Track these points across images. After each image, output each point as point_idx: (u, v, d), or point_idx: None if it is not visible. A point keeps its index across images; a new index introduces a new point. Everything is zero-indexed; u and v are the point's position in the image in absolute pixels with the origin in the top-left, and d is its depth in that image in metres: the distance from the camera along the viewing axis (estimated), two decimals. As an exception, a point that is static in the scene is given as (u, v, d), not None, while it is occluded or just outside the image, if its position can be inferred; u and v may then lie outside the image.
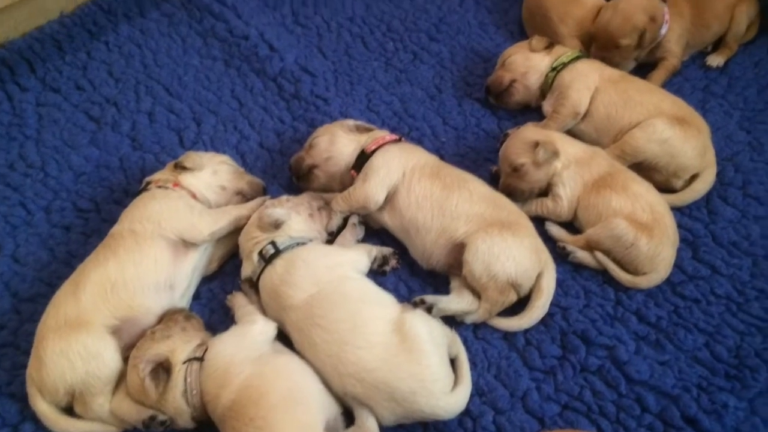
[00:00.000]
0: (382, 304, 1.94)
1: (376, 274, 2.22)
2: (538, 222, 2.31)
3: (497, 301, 2.06)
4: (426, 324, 1.87)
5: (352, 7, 3.19)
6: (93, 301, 1.96)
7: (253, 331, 1.90)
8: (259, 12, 3.14)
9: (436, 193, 2.17)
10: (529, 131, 2.37)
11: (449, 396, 1.83)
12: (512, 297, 2.08)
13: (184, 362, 1.86)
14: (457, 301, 2.08)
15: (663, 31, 2.66)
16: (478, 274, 2.04)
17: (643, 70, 2.74)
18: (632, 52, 2.66)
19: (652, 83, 2.64)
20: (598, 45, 2.68)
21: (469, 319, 2.09)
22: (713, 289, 2.17)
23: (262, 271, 2.07)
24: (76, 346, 1.90)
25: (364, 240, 2.30)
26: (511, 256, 2.03)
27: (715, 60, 2.80)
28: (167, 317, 2.02)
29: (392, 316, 1.88)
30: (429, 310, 2.04)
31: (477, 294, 2.08)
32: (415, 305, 2.04)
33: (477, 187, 2.22)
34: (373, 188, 2.21)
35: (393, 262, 2.25)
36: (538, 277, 2.10)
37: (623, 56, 2.67)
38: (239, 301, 2.10)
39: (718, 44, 2.84)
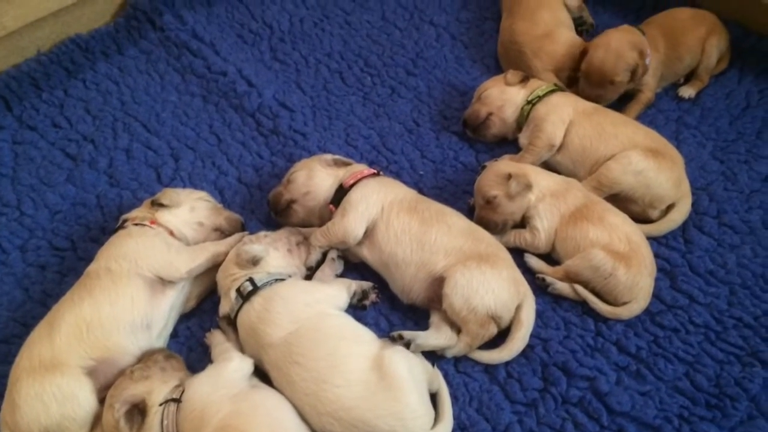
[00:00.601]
0: (361, 341, 1.92)
1: (356, 308, 2.21)
2: (518, 253, 2.32)
3: (477, 335, 2.05)
4: (406, 360, 1.86)
5: (330, 43, 3.22)
6: (68, 342, 1.93)
7: (228, 369, 1.87)
8: (237, 48, 3.16)
9: (415, 228, 2.18)
10: (503, 164, 2.40)
11: None
12: (492, 330, 2.08)
13: (161, 404, 1.83)
14: (435, 337, 2.07)
15: (647, 62, 2.71)
16: (458, 308, 2.03)
17: (618, 102, 2.77)
18: (625, 86, 2.71)
19: (627, 116, 2.68)
20: (591, 83, 2.70)
21: (450, 353, 2.08)
22: (692, 318, 2.18)
23: (240, 308, 2.05)
24: (51, 389, 1.87)
25: (344, 274, 2.30)
26: (490, 288, 2.04)
27: (687, 91, 2.85)
28: (147, 357, 1.99)
29: (371, 353, 1.87)
30: (407, 345, 2.02)
31: (457, 328, 2.07)
32: (393, 340, 2.03)
33: (455, 221, 2.22)
34: (351, 223, 2.21)
35: (373, 297, 2.24)
36: (518, 308, 2.10)
37: (617, 91, 2.71)
38: (216, 339, 2.08)
39: (690, 76, 2.89)
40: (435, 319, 2.13)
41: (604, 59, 2.65)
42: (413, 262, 2.15)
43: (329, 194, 2.33)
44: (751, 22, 3.02)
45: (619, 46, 2.65)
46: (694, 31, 2.83)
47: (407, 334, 2.06)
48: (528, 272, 2.28)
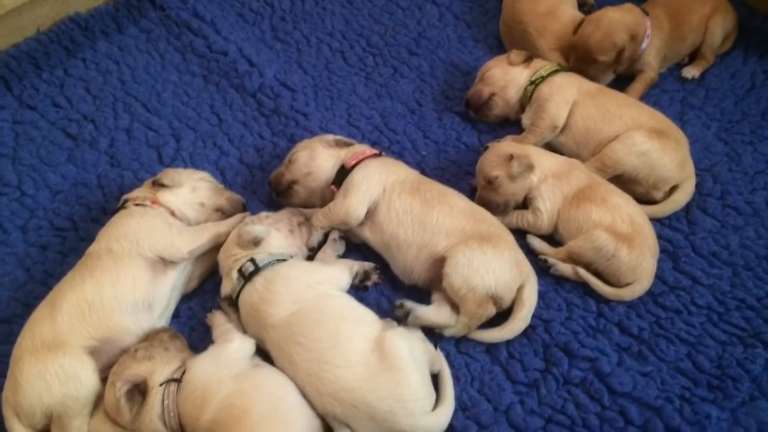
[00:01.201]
0: (362, 322, 1.92)
1: (358, 289, 2.21)
2: (520, 234, 2.32)
3: (475, 314, 2.05)
4: (407, 342, 1.86)
5: (332, 22, 3.19)
6: (70, 322, 1.93)
7: (229, 350, 1.87)
8: (238, 28, 3.13)
9: (417, 208, 2.17)
10: (505, 145, 2.39)
11: (430, 416, 1.82)
12: (491, 310, 2.07)
13: (162, 384, 1.83)
14: (435, 313, 2.07)
15: (643, 46, 2.67)
16: (458, 287, 2.03)
17: (622, 82, 2.75)
18: (609, 67, 2.68)
19: (630, 96, 2.65)
20: (576, 57, 2.69)
21: (448, 333, 2.08)
22: (694, 299, 2.18)
23: (241, 288, 2.05)
24: (53, 368, 1.87)
25: (345, 255, 2.29)
26: (491, 269, 2.03)
27: (691, 72, 2.82)
28: (152, 335, 2.00)
29: (373, 335, 1.87)
30: (406, 315, 2.04)
31: (457, 309, 2.07)
32: (395, 309, 2.06)
33: (457, 202, 2.22)
34: (353, 204, 2.20)
35: (374, 277, 2.24)
36: (520, 289, 2.10)
37: (599, 70, 2.68)
38: (218, 320, 2.08)
39: (694, 56, 2.86)
40: (436, 297, 2.14)
41: (591, 35, 2.63)
42: (415, 243, 2.14)
43: (331, 175, 2.31)
44: (756, 2, 2.98)
45: (610, 24, 2.62)
46: (698, 10, 2.79)
47: (408, 303, 2.07)
48: (530, 253, 2.27)
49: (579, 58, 2.68)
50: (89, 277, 2.00)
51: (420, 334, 2.03)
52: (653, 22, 2.71)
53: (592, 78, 2.68)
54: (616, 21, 2.62)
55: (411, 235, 2.15)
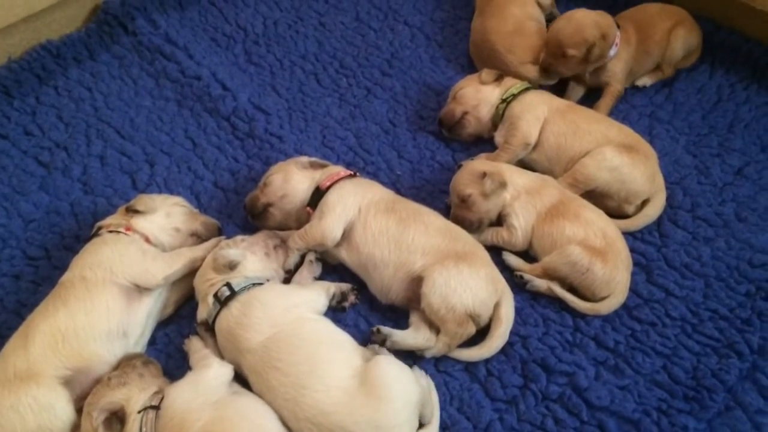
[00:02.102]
0: (340, 346, 1.92)
1: (335, 310, 2.21)
2: (496, 251, 2.33)
3: (456, 334, 2.06)
4: (395, 369, 1.84)
5: (305, 45, 3.21)
6: (43, 353, 1.90)
7: (207, 376, 1.85)
8: (211, 52, 3.14)
9: (392, 228, 2.18)
10: (478, 163, 2.41)
11: None
12: (471, 329, 2.08)
13: (140, 411, 1.81)
14: (413, 336, 2.07)
15: (612, 52, 2.72)
16: (436, 307, 2.04)
17: (591, 98, 2.80)
18: (577, 64, 2.70)
19: (600, 112, 2.70)
20: (547, 51, 2.72)
21: (429, 354, 2.08)
22: (668, 311, 2.21)
23: (217, 313, 2.04)
24: (27, 400, 1.85)
25: (322, 276, 2.29)
26: (468, 287, 2.04)
27: (643, 80, 2.89)
28: (124, 362, 1.98)
29: (352, 361, 1.87)
30: (383, 341, 2.04)
31: (435, 329, 2.07)
32: (372, 334, 2.05)
33: (432, 220, 2.23)
34: (329, 225, 2.21)
35: (352, 298, 2.24)
36: (497, 306, 2.11)
37: (568, 67, 2.71)
38: (195, 346, 2.06)
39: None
40: (414, 319, 2.14)
41: (562, 28, 2.67)
42: (391, 263, 2.15)
43: (306, 197, 2.32)
44: (721, 17, 3.05)
45: (581, 20, 2.67)
46: (661, 24, 2.86)
47: (385, 329, 2.07)
48: (506, 270, 2.29)
49: (550, 53, 2.71)
50: (62, 306, 1.98)
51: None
52: (622, 34, 2.77)
53: (560, 74, 2.74)
54: (588, 17, 2.68)
55: (387, 255, 2.16)
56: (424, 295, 2.06)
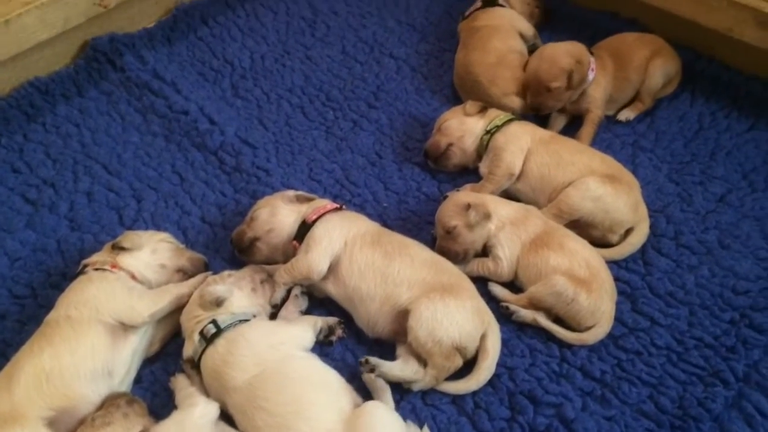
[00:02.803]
0: (328, 386, 1.92)
1: (323, 344, 2.21)
2: (482, 282, 2.34)
3: (443, 367, 2.06)
4: (381, 418, 1.83)
5: (292, 78, 3.24)
6: (27, 394, 1.89)
7: (193, 415, 1.84)
8: (198, 87, 3.17)
9: (378, 261, 2.19)
10: (462, 194, 2.43)
11: None
12: (458, 362, 2.09)
13: (124, 452, 1.80)
14: (401, 368, 2.07)
15: (590, 76, 2.79)
16: (423, 340, 2.04)
17: (573, 127, 2.86)
18: (564, 93, 2.76)
19: (583, 141, 2.75)
20: (531, 92, 2.79)
21: (417, 387, 2.08)
22: (653, 340, 2.21)
23: (203, 351, 2.03)
24: (11, 441, 1.83)
25: (309, 310, 2.29)
26: (454, 320, 2.05)
27: (625, 114, 2.93)
28: (109, 402, 1.97)
29: (339, 401, 1.86)
30: (372, 371, 2.04)
31: (423, 362, 2.07)
32: (360, 365, 2.04)
33: (418, 252, 2.24)
34: (315, 259, 2.22)
35: (339, 332, 2.24)
36: (483, 338, 2.11)
37: (555, 98, 2.77)
38: (180, 384, 2.06)
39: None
40: (401, 351, 2.14)
41: (538, 66, 2.77)
42: (377, 296, 2.16)
43: (292, 231, 2.33)
44: (701, 46, 3.10)
45: (553, 53, 2.77)
46: (639, 52, 2.92)
47: (373, 359, 2.06)
48: (492, 301, 2.30)
49: (534, 92, 2.78)
50: (47, 346, 1.98)
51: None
52: (597, 62, 2.84)
53: (551, 108, 2.80)
54: (559, 48, 2.79)
55: (373, 288, 2.16)
56: (410, 328, 2.06)
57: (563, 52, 2.76)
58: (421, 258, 2.22)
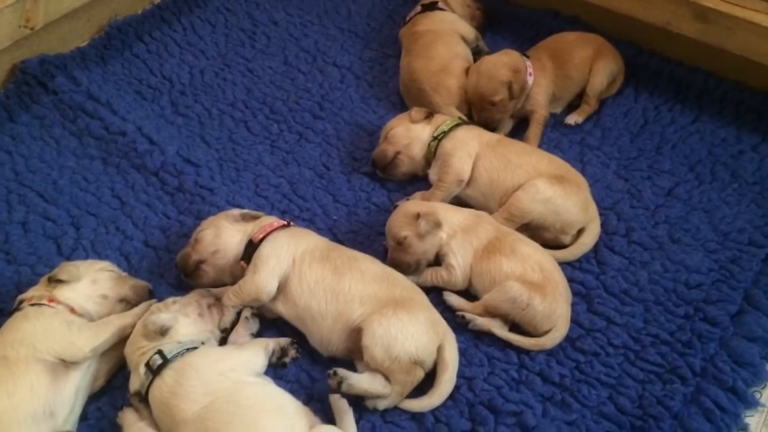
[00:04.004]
0: (282, 411, 1.84)
1: (276, 367, 2.14)
2: (438, 292, 2.31)
3: (406, 382, 2.01)
4: None
5: (233, 92, 3.16)
6: (-37, 442, 1.79)
7: (143, 452, 1.77)
8: (136, 106, 3.06)
9: (328, 278, 2.14)
10: (411, 204, 2.40)
11: None
12: (419, 374, 2.04)
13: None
14: (369, 381, 2.00)
15: (530, 81, 2.82)
16: (380, 359, 1.99)
17: (520, 129, 2.84)
18: (508, 104, 2.79)
19: (530, 142, 2.74)
20: (476, 108, 2.80)
21: (382, 405, 2.02)
22: (610, 340, 2.21)
23: (150, 383, 1.95)
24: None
25: (260, 332, 2.22)
26: (409, 334, 2.00)
27: (573, 118, 2.94)
28: None
29: (294, 427, 1.80)
30: (339, 384, 1.97)
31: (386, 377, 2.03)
32: (328, 377, 1.98)
33: (368, 266, 2.19)
34: (263, 279, 2.15)
35: (292, 353, 2.17)
36: (440, 350, 2.07)
37: (501, 111, 2.79)
38: (129, 419, 1.97)
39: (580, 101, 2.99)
40: (363, 367, 2.08)
41: (477, 82, 2.78)
42: (329, 314, 2.10)
43: (239, 251, 2.26)
44: (641, 40, 3.13)
45: (488, 68, 2.80)
46: (580, 51, 2.94)
47: (341, 371, 1.99)
48: (448, 310, 2.27)
49: (478, 107, 2.79)
50: (-17, 389, 1.87)
51: None
52: (535, 63, 2.87)
53: (499, 121, 2.80)
54: (494, 62, 2.82)
55: (324, 306, 2.11)
56: (365, 348, 2.01)
57: (499, 65, 2.78)
58: (371, 272, 2.17)
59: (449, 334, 2.12)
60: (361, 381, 2.01)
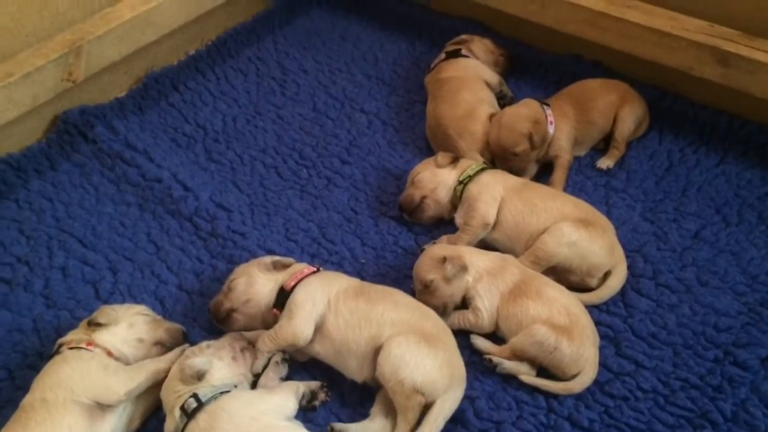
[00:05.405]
0: None
1: (305, 410, 2.17)
2: (465, 334, 2.33)
3: (405, 406, 2.02)
4: None
5: (264, 138, 3.26)
6: (3, 485, 1.84)
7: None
8: (171, 153, 3.17)
9: (362, 307, 2.19)
10: (438, 247, 2.44)
11: None
12: (419, 400, 2.03)
13: None
14: (366, 427, 2.06)
15: (551, 129, 2.87)
16: (387, 377, 2.03)
17: (545, 173, 2.89)
18: (530, 154, 2.84)
19: (555, 186, 2.78)
20: (499, 160, 2.86)
21: None
22: (639, 384, 2.20)
23: (185, 426, 1.99)
24: None
25: (289, 375, 2.26)
26: (422, 365, 2.03)
27: (605, 162, 2.97)
28: None
29: None
30: None
31: (393, 417, 2.06)
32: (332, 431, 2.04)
33: (402, 298, 2.26)
34: (300, 324, 2.19)
35: (322, 396, 2.20)
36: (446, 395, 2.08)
37: (524, 161, 2.84)
38: (163, 461, 2.01)
39: (609, 143, 3.02)
40: (374, 409, 2.13)
41: (499, 135, 2.84)
42: (363, 339, 2.14)
43: (271, 299, 2.30)
44: (665, 83, 3.17)
45: (509, 120, 2.84)
46: (604, 97, 3.00)
47: (338, 426, 2.06)
48: (476, 353, 2.29)
49: (501, 159, 2.84)
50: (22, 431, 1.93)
51: None
52: (555, 111, 2.92)
53: (523, 169, 2.83)
54: (514, 114, 2.86)
55: (359, 333, 2.15)
56: (378, 363, 2.06)
57: (520, 117, 2.83)
58: (405, 302, 2.23)
59: (461, 381, 2.13)
60: (357, 430, 2.06)
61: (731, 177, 2.87)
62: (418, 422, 2.03)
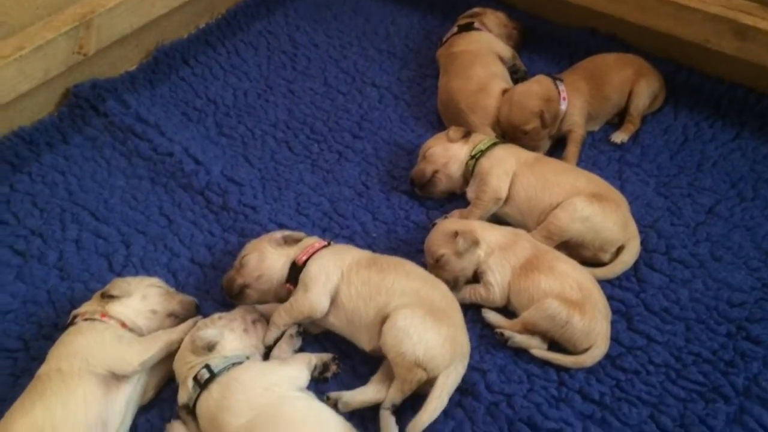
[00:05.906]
0: (325, 425, 1.89)
1: (317, 381, 2.18)
2: (476, 308, 2.33)
3: (405, 379, 2.01)
4: None
5: (275, 113, 3.25)
6: (20, 451, 1.87)
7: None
8: (182, 127, 3.17)
9: (374, 277, 2.19)
10: (449, 222, 2.43)
11: None
12: (420, 375, 2.02)
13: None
14: (361, 392, 2.08)
15: (563, 107, 2.84)
16: (388, 348, 2.03)
17: (558, 148, 2.87)
18: (541, 132, 2.81)
19: (568, 161, 2.76)
20: (510, 138, 2.83)
21: (385, 404, 2.03)
22: (651, 358, 2.20)
23: (197, 396, 2.01)
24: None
25: (302, 347, 2.27)
26: (424, 339, 2.02)
27: (619, 137, 2.93)
28: None
29: None
30: (335, 404, 2.05)
31: (390, 379, 2.07)
32: (328, 399, 2.07)
33: (414, 269, 2.26)
34: (316, 296, 2.20)
35: (334, 368, 2.22)
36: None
37: (535, 138, 2.80)
38: (176, 430, 2.03)
39: (623, 116, 2.99)
40: (375, 376, 2.14)
41: (509, 113, 2.81)
42: (372, 308, 2.15)
43: (283, 274, 2.30)
44: (680, 57, 3.13)
45: (520, 98, 2.81)
46: (619, 72, 2.96)
47: (334, 394, 2.08)
48: (487, 327, 2.29)
49: (512, 138, 2.81)
50: (39, 400, 1.95)
51: None
52: (569, 86, 2.88)
53: (534, 147, 2.80)
54: (525, 92, 2.82)
55: (369, 302, 2.15)
56: (382, 332, 2.06)
57: (531, 95, 2.79)
58: (416, 272, 2.24)
59: (463, 358, 2.12)
60: (355, 396, 2.08)
61: (747, 151, 2.84)
62: (423, 399, 2.02)
